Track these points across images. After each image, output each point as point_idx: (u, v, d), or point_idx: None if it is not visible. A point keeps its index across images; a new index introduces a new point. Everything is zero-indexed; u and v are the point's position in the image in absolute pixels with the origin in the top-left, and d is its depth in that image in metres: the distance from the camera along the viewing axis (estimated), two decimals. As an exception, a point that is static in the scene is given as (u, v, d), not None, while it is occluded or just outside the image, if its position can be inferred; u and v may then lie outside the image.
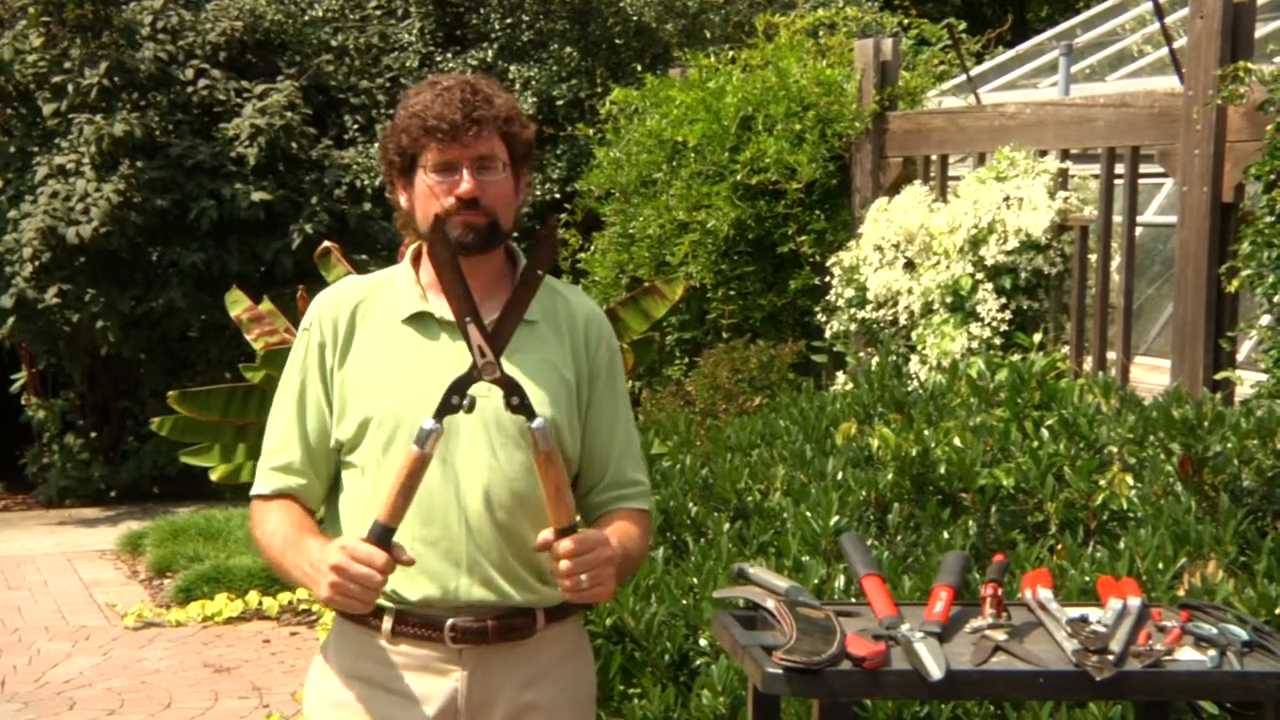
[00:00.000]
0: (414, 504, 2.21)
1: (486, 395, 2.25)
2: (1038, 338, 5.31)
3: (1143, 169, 5.91)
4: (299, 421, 2.38)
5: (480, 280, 2.33)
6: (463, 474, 2.29)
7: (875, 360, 4.41)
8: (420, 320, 2.36)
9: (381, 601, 2.29)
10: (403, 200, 2.39)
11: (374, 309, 2.38)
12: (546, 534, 2.21)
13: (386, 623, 2.31)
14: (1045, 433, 3.72)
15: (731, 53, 8.27)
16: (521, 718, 2.36)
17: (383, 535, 2.17)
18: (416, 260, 2.42)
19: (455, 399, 2.18)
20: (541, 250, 2.32)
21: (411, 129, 2.31)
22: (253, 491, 2.42)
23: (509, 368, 2.25)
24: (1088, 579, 3.02)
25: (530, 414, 2.18)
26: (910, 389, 4.31)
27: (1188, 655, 2.19)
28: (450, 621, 2.30)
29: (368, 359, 2.35)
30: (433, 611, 2.31)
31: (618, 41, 11.30)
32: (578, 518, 2.26)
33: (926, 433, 3.74)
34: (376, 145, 10.77)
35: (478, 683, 2.33)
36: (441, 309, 2.33)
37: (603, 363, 2.43)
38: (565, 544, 2.18)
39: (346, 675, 2.37)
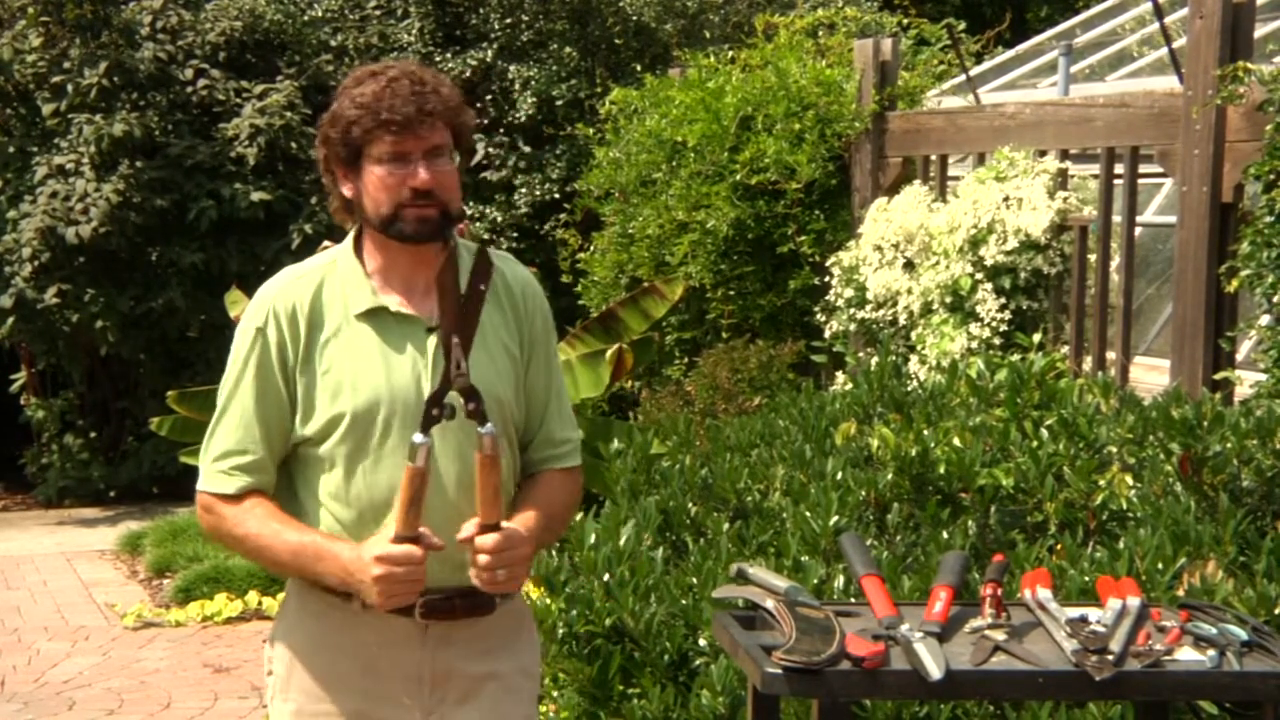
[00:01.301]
0: (391, 489, 2.31)
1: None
2: (1037, 338, 5.31)
3: (1142, 169, 5.90)
4: (260, 419, 2.39)
5: (426, 265, 2.40)
6: (439, 465, 2.34)
7: (875, 360, 4.41)
8: (374, 315, 2.40)
9: None
10: (345, 189, 2.40)
11: (329, 301, 2.41)
12: (469, 528, 2.29)
13: (356, 600, 2.35)
14: (1045, 433, 3.72)
15: (731, 53, 8.27)
16: (481, 685, 2.43)
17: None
18: (358, 246, 2.45)
19: (435, 411, 2.26)
20: (478, 264, 2.41)
21: (363, 121, 2.33)
22: (212, 489, 2.40)
23: (456, 354, 2.33)
24: (1087, 579, 3.02)
25: (483, 420, 2.27)
26: (910, 389, 4.31)
27: (1187, 655, 2.19)
28: (421, 599, 2.35)
29: (329, 355, 2.38)
30: None
31: (617, 41, 11.29)
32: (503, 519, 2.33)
33: (926, 433, 3.74)
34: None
35: (442, 655, 2.40)
36: (393, 302, 2.40)
37: (539, 328, 2.51)
38: (488, 540, 2.27)
39: (313, 644, 2.42)
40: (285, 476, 2.44)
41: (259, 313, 2.42)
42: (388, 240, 2.39)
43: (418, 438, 2.22)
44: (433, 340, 2.37)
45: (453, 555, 2.34)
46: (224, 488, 2.39)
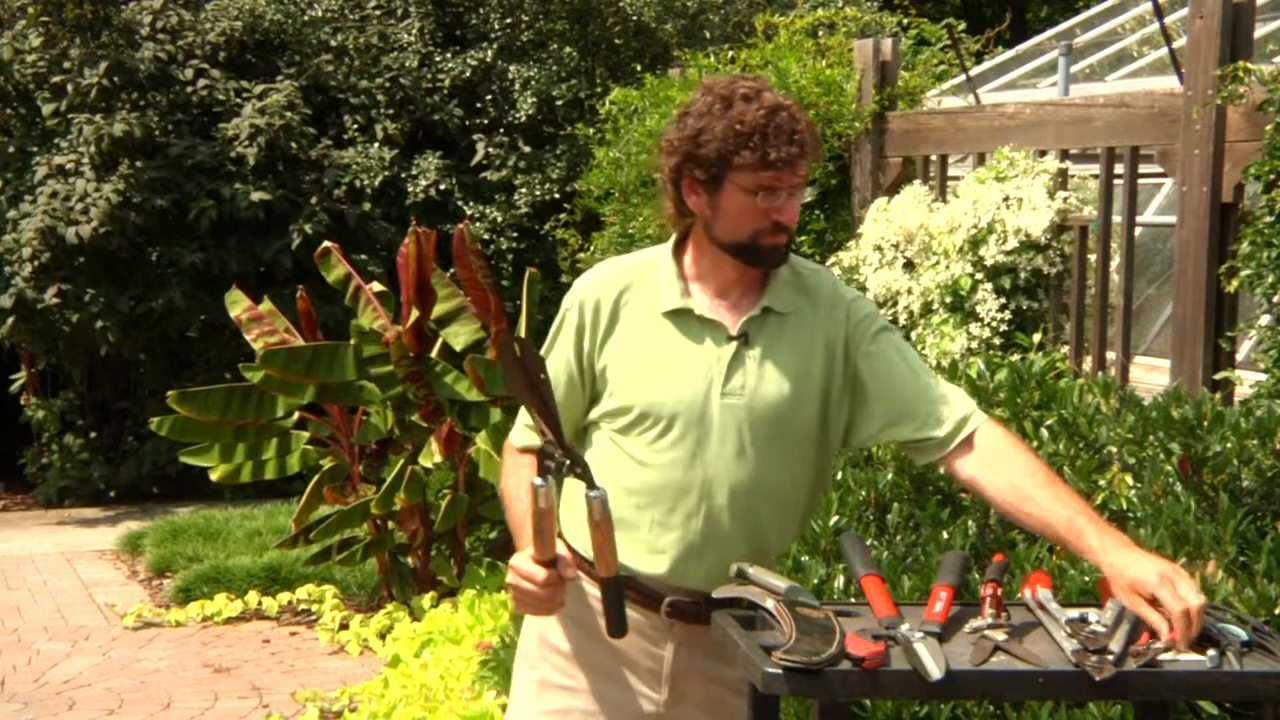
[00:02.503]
0: (662, 489, 2.41)
1: (740, 393, 2.40)
2: (1037, 338, 5.32)
3: (1142, 169, 5.90)
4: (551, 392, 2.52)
5: (744, 280, 2.46)
6: (712, 469, 2.41)
7: (875, 360, 4.40)
8: (680, 316, 2.45)
9: None
10: (691, 200, 2.42)
11: (636, 297, 2.48)
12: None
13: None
14: (1045, 433, 3.72)
15: (731, 53, 8.27)
16: (723, 690, 2.49)
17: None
18: (679, 250, 2.50)
19: (549, 463, 2.32)
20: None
21: (744, 152, 2.34)
22: (510, 439, 2.61)
23: (759, 359, 2.42)
24: (1087, 579, 3.02)
25: (591, 484, 2.29)
26: (910, 389, 4.30)
27: (1187, 655, 2.19)
28: (669, 599, 2.44)
29: (628, 348, 2.46)
30: (655, 586, 2.44)
31: (617, 41, 11.30)
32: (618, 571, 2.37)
33: (926, 433, 3.74)
34: (377, 145, 10.81)
35: (686, 655, 2.47)
36: (701, 306, 2.45)
37: (855, 321, 2.48)
38: (1194, 599, 2.13)
39: (570, 621, 2.50)
40: (584, 451, 2.53)
41: (573, 298, 2.52)
42: (721, 255, 2.43)
43: (537, 481, 2.28)
44: (732, 347, 2.43)
45: (715, 571, 2.41)
46: (513, 439, 2.59)
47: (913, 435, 2.45)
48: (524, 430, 2.56)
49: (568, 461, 2.31)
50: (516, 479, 2.53)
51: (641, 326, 2.45)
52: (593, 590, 2.46)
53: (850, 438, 2.52)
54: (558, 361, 2.50)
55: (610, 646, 2.46)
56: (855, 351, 2.47)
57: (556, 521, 2.34)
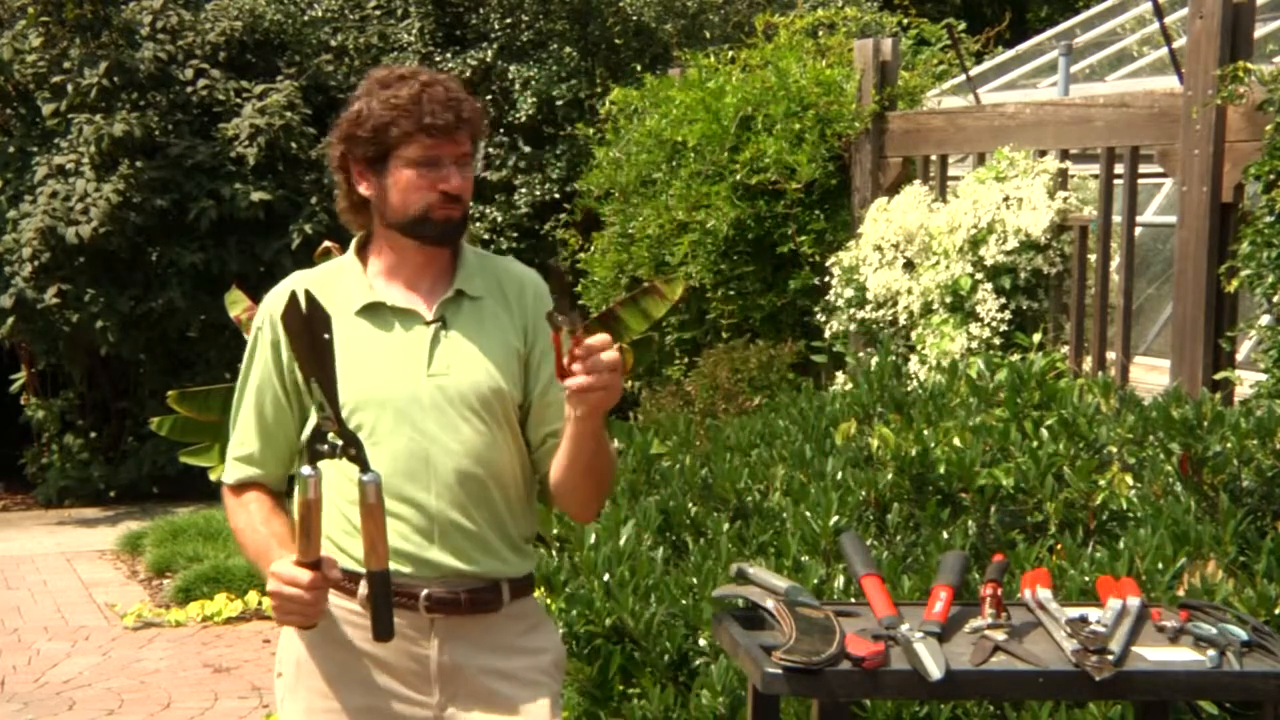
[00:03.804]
0: (389, 480, 2.31)
1: (446, 373, 2.40)
2: (1037, 338, 5.32)
3: (1142, 169, 5.91)
4: (257, 416, 2.50)
5: (432, 267, 2.47)
6: (434, 450, 2.39)
7: (875, 360, 4.41)
8: (373, 311, 2.46)
9: (355, 567, 2.35)
10: (362, 188, 2.45)
11: (327, 302, 2.41)
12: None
13: (362, 588, 2.36)
14: (1045, 433, 3.72)
15: (731, 53, 8.27)
16: (494, 684, 2.43)
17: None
18: (361, 251, 2.51)
19: (321, 447, 2.26)
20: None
21: (400, 123, 2.38)
22: (223, 479, 2.55)
23: (459, 339, 2.42)
24: (1087, 579, 3.02)
25: (365, 468, 2.25)
26: (910, 389, 4.31)
27: (1187, 655, 2.19)
28: (425, 591, 2.39)
29: None
30: (408, 580, 2.38)
31: (617, 41, 11.29)
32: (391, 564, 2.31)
33: (926, 433, 3.74)
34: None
35: (451, 651, 2.42)
36: (393, 298, 2.46)
37: (543, 307, 2.52)
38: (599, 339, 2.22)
39: (322, 640, 2.43)
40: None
41: (263, 314, 2.50)
42: (401, 240, 2.44)
43: (305, 470, 2.23)
44: (430, 330, 2.43)
45: (462, 549, 2.38)
46: (226, 478, 2.53)
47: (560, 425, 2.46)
48: (235, 465, 2.51)
49: (341, 443, 2.24)
50: (247, 515, 2.48)
51: (339, 329, 2.39)
52: (346, 604, 2.41)
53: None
54: (262, 382, 2.47)
55: (371, 658, 2.41)
56: (535, 337, 2.50)
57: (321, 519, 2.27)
